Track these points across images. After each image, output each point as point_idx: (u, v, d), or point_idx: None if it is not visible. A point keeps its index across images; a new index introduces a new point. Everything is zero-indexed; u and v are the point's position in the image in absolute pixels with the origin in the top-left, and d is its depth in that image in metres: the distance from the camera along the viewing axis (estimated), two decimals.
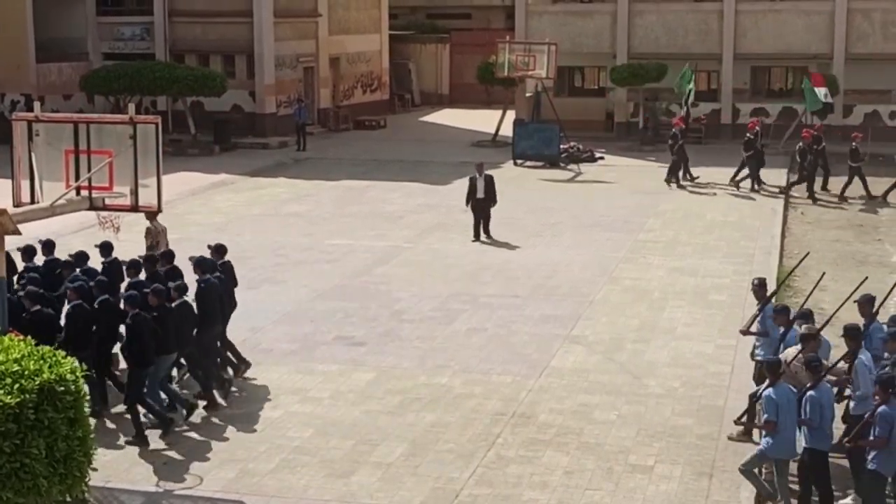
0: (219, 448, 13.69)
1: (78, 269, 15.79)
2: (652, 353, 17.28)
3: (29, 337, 11.17)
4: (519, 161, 36.56)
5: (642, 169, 35.88)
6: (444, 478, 12.85)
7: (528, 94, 42.05)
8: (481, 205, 25.05)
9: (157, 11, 43.58)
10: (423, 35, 57.00)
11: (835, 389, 12.49)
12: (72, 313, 14.28)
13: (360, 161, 37.82)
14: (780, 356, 12.53)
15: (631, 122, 42.16)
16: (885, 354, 12.69)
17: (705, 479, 12.83)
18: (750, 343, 14.84)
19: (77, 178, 14.15)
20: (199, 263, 15.68)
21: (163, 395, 14.57)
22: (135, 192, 14.28)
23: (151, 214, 16.94)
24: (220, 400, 15.21)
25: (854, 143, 30.44)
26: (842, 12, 40.51)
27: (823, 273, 16.72)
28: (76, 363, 10.94)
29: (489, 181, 25.08)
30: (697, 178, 32.61)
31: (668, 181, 32.26)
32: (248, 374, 16.26)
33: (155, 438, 13.94)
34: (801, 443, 11.83)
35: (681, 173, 32.48)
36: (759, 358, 14.00)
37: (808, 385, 11.76)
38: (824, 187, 31.25)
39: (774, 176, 33.15)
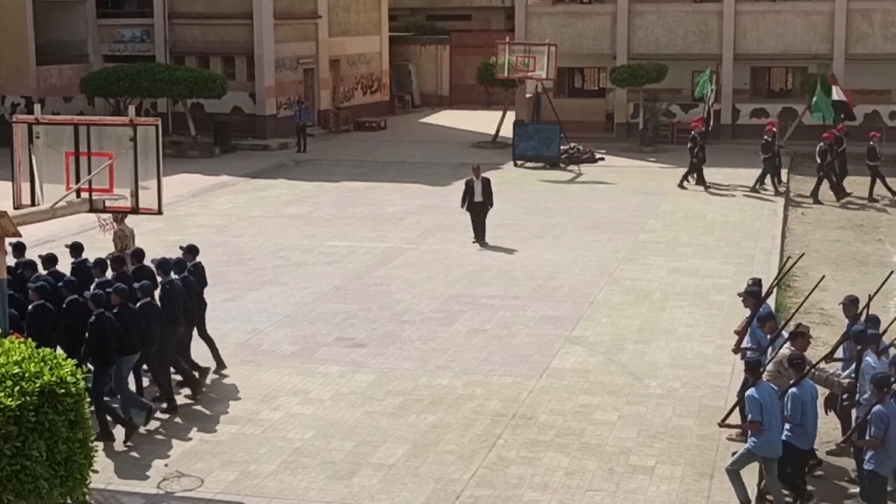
0: (219, 450, 13.69)
1: (45, 271, 15.77)
2: (653, 354, 17.29)
3: (29, 339, 11.17)
4: (519, 162, 36.57)
5: (642, 170, 35.89)
6: (445, 479, 12.85)
7: (528, 95, 42.11)
8: (478, 208, 24.79)
9: (157, 13, 43.59)
10: (422, 36, 57.03)
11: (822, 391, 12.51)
12: (33, 313, 14.25)
13: (361, 162, 37.84)
14: (776, 357, 12.50)
15: (631, 123, 42.15)
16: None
17: (706, 480, 12.82)
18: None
19: (77, 180, 14.15)
20: (160, 265, 15.66)
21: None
22: (135, 195, 14.28)
23: (119, 217, 16.83)
24: (192, 399, 15.23)
25: (871, 143, 30.37)
26: (841, 13, 40.50)
27: (823, 276, 16.73)
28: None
29: (486, 184, 24.84)
30: (710, 186, 32.13)
31: (687, 182, 32.12)
32: (247, 372, 16.27)
33: (155, 441, 13.95)
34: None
35: (691, 175, 32.19)
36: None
37: (791, 382, 11.83)
38: (839, 189, 30.71)
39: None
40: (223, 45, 43.20)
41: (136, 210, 14.55)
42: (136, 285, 15.01)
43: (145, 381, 15.53)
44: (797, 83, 42.16)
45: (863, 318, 13.25)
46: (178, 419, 14.69)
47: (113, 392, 14.34)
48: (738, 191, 31.59)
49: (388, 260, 23.45)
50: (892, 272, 15.56)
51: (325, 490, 12.59)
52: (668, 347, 17.61)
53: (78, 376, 10.41)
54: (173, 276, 15.62)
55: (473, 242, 24.69)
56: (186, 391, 15.61)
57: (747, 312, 14.03)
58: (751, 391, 11.75)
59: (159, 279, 15.60)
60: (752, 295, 14.07)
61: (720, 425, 12.23)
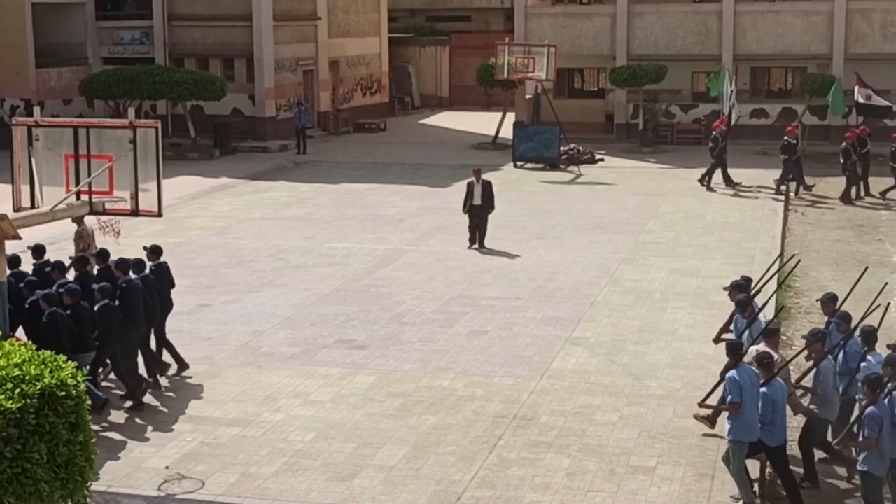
0: (220, 452, 13.68)
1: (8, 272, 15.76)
2: (653, 355, 17.28)
3: (30, 342, 11.17)
4: (519, 163, 36.57)
5: (642, 170, 35.89)
6: (446, 480, 12.84)
7: (527, 96, 42.10)
8: (478, 211, 24.46)
9: (157, 16, 43.58)
10: (422, 38, 57.03)
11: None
12: None
13: (361, 164, 37.83)
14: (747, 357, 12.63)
15: (631, 124, 42.14)
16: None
17: (707, 481, 12.81)
18: None
19: (77, 182, 14.17)
20: (118, 265, 15.66)
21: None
22: (135, 197, 14.30)
23: (79, 218, 16.82)
24: (150, 397, 15.28)
25: (895, 145, 30.30)
26: (841, 13, 40.49)
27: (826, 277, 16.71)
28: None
29: (487, 187, 24.49)
30: (739, 183, 32.07)
31: (702, 182, 32.00)
32: (247, 374, 16.26)
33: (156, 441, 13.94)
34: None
35: (708, 177, 32.04)
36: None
37: (762, 382, 11.92)
38: (862, 192, 30.57)
39: (774, 177, 33.14)
40: (223, 46, 43.21)
41: (136, 212, 14.58)
42: (95, 286, 15.00)
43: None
44: (797, 83, 42.15)
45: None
46: (177, 421, 14.69)
47: None
48: (761, 192, 31.37)
49: (389, 261, 23.44)
50: (866, 268, 16.01)
51: (326, 492, 12.58)
52: (669, 348, 17.60)
53: (79, 378, 10.40)
54: (132, 275, 15.61)
55: (470, 248, 24.30)
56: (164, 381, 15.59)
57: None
58: (732, 373, 11.93)
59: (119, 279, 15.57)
60: (738, 288, 14.52)
61: (700, 405, 12.32)
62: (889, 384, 11.38)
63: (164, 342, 16.48)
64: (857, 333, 13.08)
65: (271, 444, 13.91)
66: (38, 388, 9.95)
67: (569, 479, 12.86)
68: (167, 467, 13.26)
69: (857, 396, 12.45)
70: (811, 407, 12.61)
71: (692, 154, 38.38)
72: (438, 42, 56.76)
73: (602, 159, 37.65)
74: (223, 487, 12.73)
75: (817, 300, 14.09)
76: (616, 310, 19.75)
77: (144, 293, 15.59)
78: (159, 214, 14.95)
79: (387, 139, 44.69)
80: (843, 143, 30.50)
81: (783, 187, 31.20)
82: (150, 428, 14.45)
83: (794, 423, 13.42)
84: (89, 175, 14.08)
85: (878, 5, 40.67)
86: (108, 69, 41.29)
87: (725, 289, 14.96)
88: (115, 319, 14.84)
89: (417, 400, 15.35)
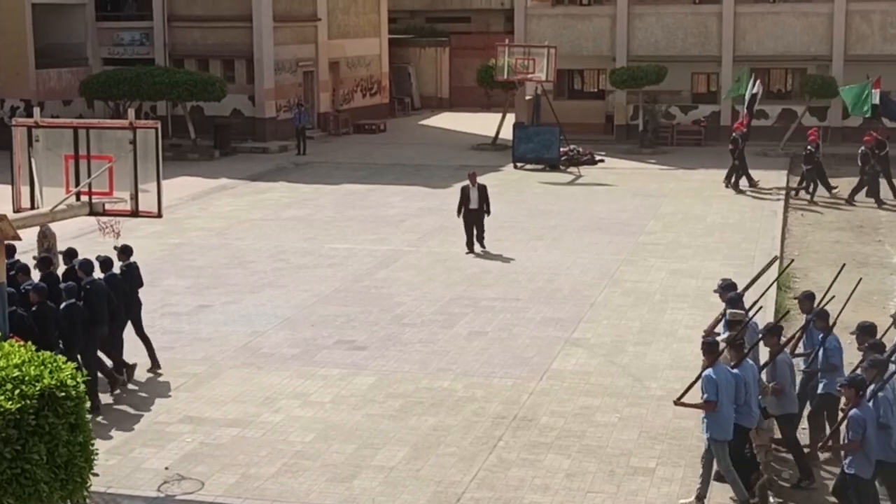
0: (220, 453, 13.68)
1: None
2: (653, 356, 17.28)
3: (29, 342, 11.16)
4: (519, 164, 36.57)
5: (642, 171, 35.89)
6: (445, 481, 12.84)
7: (527, 98, 42.11)
8: (474, 215, 24.06)
9: (157, 16, 43.58)
10: (422, 39, 57.06)
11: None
12: None
13: (361, 165, 37.83)
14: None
15: (630, 125, 42.16)
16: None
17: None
18: None
19: (77, 183, 14.15)
20: (82, 265, 15.68)
21: None
22: (135, 198, 14.28)
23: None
24: (108, 397, 15.35)
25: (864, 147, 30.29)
26: (840, 14, 40.51)
27: (843, 265, 16.73)
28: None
29: (482, 191, 24.06)
30: (758, 181, 31.99)
31: (727, 184, 31.96)
32: (247, 375, 16.26)
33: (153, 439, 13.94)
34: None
35: (735, 176, 31.95)
36: None
37: (732, 364, 12.18)
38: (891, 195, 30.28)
39: (774, 178, 33.17)
40: (223, 47, 43.21)
41: (135, 213, 14.56)
42: (61, 286, 15.04)
43: None
44: (796, 85, 42.15)
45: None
46: (177, 422, 14.68)
47: None
48: (778, 196, 31.18)
49: (389, 262, 23.44)
50: (844, 265, 16.10)
51: (325, 493, 12.58)
52: (669, 349, 17.60)
53: (78, 379, 10.40)
54: (97, 275, 15.60)
55: (467, 253, 24.00)
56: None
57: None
58: (708, 371, 12.06)
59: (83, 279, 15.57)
60: (726, 288, 14.72)
61: (675, 403, 12.36)
62: (873, 386, 11.40)
63: (143, 339, 16.57)
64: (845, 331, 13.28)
65: (271, 444, 13.91)
66: (37, 388, 9.95)
67: (568, 480, 12.86)
68: (167, 468, 13.26)
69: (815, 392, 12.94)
70: (770, 396, 12.79)
71: (692, 155, 38.43)
72: (438, 43, 56.77)
73: (602, 160, 37.65)
74: (223, 488, 12.73)
75: (794, 297, 14.27)
76: (616, 311, 19.75)
77: (110, 293, 15.61)
78: (159, 215, 14.92)
79: (387, 140, 44.70)
80: (862, 147, 30.33)
81: (809, 190, 30.88)
82: (149, 429, 14.44)
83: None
84: (89, 176, 14.07)
85: (877, 6, 40.69)
86: (108, 70, 41.30)
87: (715, 291, 15.19)
88: (79, 319, 14.87)
89: (417, 401, 15.35)
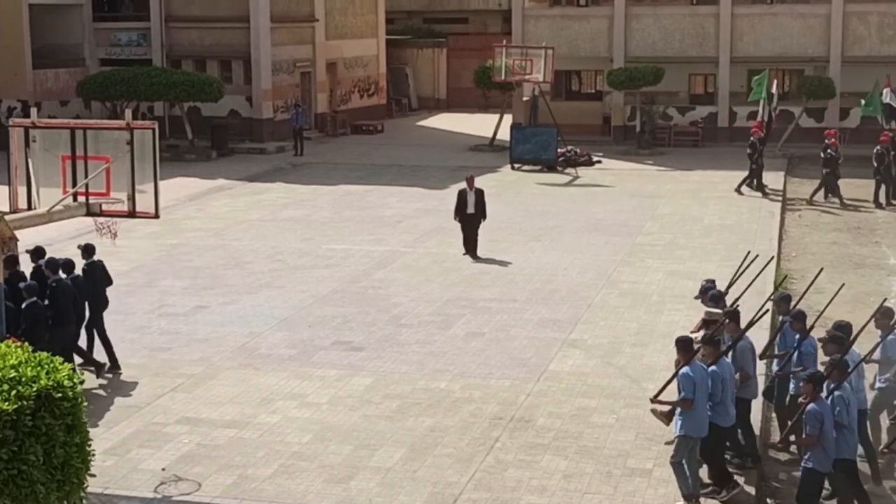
0: (217, 454, 13.67)
1: None
2: (650, 357, 17.28)
3: (25, 343, 11.15)
4: (516, 165, 36.58)
5: (640, 172, 35.90)
6: (442, 482, 12.84)
7: (525, 98, 42.10)
8: (470, 220, 23.90)
9: (154, 17, 43.55)
10: (420, 40, 57.05)
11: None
12: None
13: (358, 166, 37.82)
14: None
15: (628, 126, 42.18)
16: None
17: None
18: None
19: (74, 183, 14.17)
20: (48, 264, 15.65)
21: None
22: (132, 198, 14.29)
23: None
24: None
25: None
26: (838, 15, 40.55)
27: (821, 269, 16.76)
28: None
29: (479, 195, 23.87)
30: (767, 186, 31.81)
31: (750, 188, 31.72)
32: (244, 376, 16.25)
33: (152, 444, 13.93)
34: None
35: (757, 181, 31.71)
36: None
37: (710, 361, 12.24)
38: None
39: (773, 180, 33.17)
40: (220, 48, 43.20)
41: (132, 214, 14.58)
42: (21, 285, 14.98)
43: None
44: (794, 86, 42.17)
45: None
46: (173, 423, 14.67)
47: None
48: (796, 202, 31.07)
49: (386, 263, 23.43)
50: (821, 269, 16.62)
51: (322, 494, 12.57)
52: (666, 350, 17.56)
53: (75, 380, 10.39)
54: (62, 275, 15.58)
55: (464, 255, 23.90)
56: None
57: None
58: (685, 369, 12.12)
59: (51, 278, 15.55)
60: (706, 290, 14.85)
61: (652, 401, 12.41)
62: (831, 385, 11.47)
63: (103, 340, 16.55)
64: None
65: (268, 445, 13.90)
66: (34, 389, 9.94)
67: (565, 481, 12.86)
68: (164, 469, 13.25)
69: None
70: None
71: (689, 156, 38.45)
72: (436, 44, 56.77)
73: (599, 161, 37.65)
74: (220, 489, 12.72)
75: (769, 298, 14.44)
76: (613, 312, 19.76)
77: (75, 293, 15.57)
78: (156, 216, 14.95)
79: (384, 141, 44.69)
80: (877, 148, 30.19)
81: (838, 194, 30.66)
82: (146, 429, 14.43)
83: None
84: (86, 176, 14.08)
85: (874, 8, 40.73)
86: (106, 70, 41.27)
87: (696, 297, 15.38)
88: (41, 318, 14.84)
89: (414, 402, 15.35)
